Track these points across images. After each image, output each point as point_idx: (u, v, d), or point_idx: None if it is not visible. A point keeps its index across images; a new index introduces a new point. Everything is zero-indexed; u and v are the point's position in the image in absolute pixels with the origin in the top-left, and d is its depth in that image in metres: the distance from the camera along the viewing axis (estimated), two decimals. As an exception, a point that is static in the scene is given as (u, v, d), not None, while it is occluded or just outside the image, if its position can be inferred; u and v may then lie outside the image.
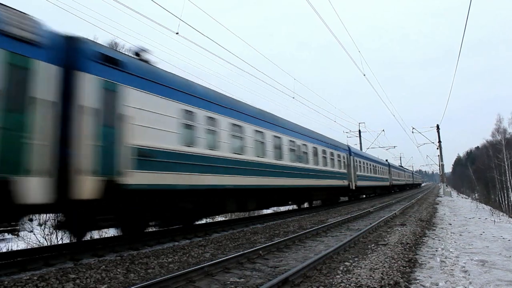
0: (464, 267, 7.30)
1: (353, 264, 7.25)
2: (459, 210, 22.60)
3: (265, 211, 25.81)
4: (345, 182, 27.86)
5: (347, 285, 5.73)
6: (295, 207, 27.22)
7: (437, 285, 6.02)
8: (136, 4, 14.25)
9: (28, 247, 11.75)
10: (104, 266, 7.34)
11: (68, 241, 13.27)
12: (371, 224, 13.56)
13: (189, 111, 11.72)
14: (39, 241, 13.42)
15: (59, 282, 6.28)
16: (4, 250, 11.92)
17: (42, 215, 16.09)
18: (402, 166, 73.45)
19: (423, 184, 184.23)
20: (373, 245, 9.60)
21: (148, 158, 9.73)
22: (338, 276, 6.30)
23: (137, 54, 10.90)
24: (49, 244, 12.95)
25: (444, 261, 7.82)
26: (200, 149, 11.95)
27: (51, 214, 15.84)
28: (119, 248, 9.43)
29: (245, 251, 8.26)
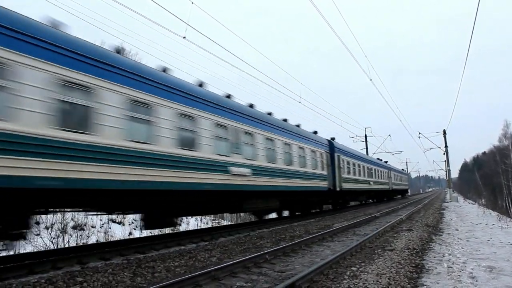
0: (471, 273, 7.26)
1: (360, 269, 7.23)
2: (466, 216, 22.44)
3: (270, 216, 25.56)
4: (323, 184, 22.06)
5: (354, 290, 5.71)
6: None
7: (444, 291, 5.99)
8: (143, 8, 14.35)
9: (35, 250, 11.82)
10: (111, 270, 7.37)
11: (74, 245, 13.35)
12: (377, 229, 13.49)
13: None
14: (46, 244, 13.50)
15: (67, 285, 6.32)
16: (12, 253, 11.99)
17: (48, 218, 16.16)
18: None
19: (428, 190, 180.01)
20: (379, 250, 9.57)
21: None
22: (345, 281, 6.29)
23: None
24: (56, 247, 13.01)
25: (451, 267, 7.77)
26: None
27: (58, 217, 15.92)
28: (125, 252, 9.46)
29: (251, 256, 8.27)
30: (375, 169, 38.37)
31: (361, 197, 34.91)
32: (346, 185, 26.13)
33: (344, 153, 27.46)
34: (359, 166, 31.22)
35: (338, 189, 24.29)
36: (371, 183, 35.57)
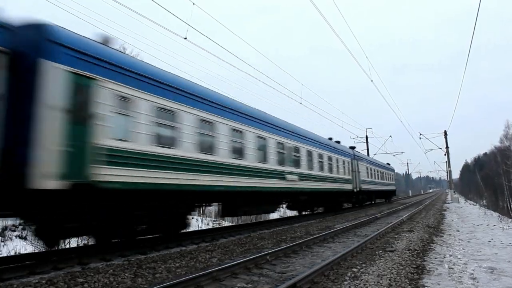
0: (472, 274, 7.25)
1: (361, 270, 7.23)
2: (467, 217, 22.42)
3: (272, 216, 25.17)
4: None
5: (355, 291, 5.71)
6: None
7: (445, 292, 5.98)
8: (144, 9, 14.38)
9: (36, 251, 11.80)
10: (111, 271, 7.37)
11: (75, 245, 13.35)
12: (378, 230, 13.50)
13: None
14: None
15: (68, 286, 6.32)
16: (12, 253, 12.01)
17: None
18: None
19: (429, 191, 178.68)
20: (380, 251, 9.56)
21: None
22: (345, 282, 6.29)
23: None
24: (57, 248, 13.00)
25: (452, 268, 7.77)
26: None
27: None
28: (126, 253, 9.46)
29: (252, 257, 8.27)
30: (311, 152, 20.78)
31: (253, 207, 15.90)
32: (123, 176, 9.15)
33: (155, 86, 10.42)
34: (238, 131, 14.26)
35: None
36: (290, 177, 17.71)
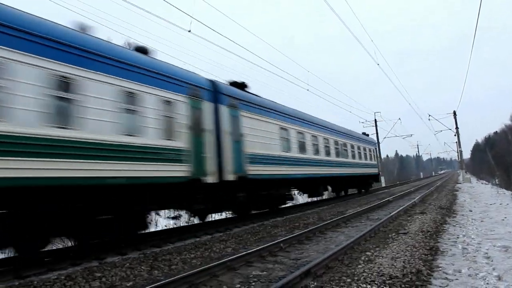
0: (486, 253, 7.25)
1: (375, 254, 7.27)
2: (480, 196, 22.29)
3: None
4: None
5: (370, 275, 5.75)
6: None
7: (460, 272, 6.00)
8: (147, 3, 14.36)
9: (54, 248, 12.00)
10: (128, 264, 7.49)
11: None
12: (390, 213, 13.49)
13: None
14: (64, 242, 13.68)
15: (86, 280, 6.44)
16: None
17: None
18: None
19: (441, 172, 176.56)
20: (393, 234, 9.58)
21: None
22: (360, 266, 6.33)
23: None
24: (73, 244, 13.20)
25: (466, 248, 7.77)
26: None
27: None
28: (142, 246, 9.59)
29: (266, 245, 8.34)
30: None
31: None
32: None
33: None
34: None
35: None
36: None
